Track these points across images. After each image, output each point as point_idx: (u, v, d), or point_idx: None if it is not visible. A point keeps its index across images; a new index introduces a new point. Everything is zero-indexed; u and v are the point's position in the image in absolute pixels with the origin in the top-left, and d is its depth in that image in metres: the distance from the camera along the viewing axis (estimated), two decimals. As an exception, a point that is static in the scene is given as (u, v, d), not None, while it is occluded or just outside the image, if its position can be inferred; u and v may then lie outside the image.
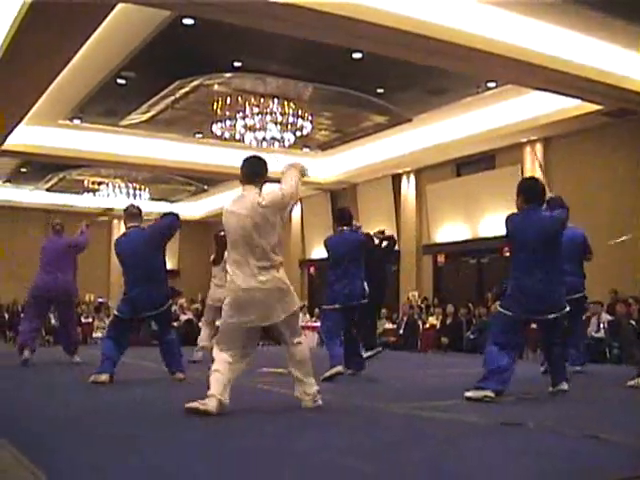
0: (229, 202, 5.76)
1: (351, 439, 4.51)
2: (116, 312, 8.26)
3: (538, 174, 16.81)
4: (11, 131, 15.91)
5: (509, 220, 6.90)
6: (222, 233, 9.08)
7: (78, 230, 10.76)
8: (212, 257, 11.60)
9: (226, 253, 5.64)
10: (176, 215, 8.34)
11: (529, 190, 6.89)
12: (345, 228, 8.98)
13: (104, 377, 7.66)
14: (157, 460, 3.79)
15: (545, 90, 13.77)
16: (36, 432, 4.60)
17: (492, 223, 17.29)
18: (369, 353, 10.32)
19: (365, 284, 8.76)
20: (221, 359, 5.52)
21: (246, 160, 5.83)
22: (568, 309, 6.85)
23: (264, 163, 5.83)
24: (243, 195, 5.67)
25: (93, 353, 9.21)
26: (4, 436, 4.16)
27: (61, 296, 10.35)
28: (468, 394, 6.37)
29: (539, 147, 17.04)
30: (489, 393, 6.31)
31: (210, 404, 5.27)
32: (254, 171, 5.75)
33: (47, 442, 4.25)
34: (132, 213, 8.33)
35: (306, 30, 10.76)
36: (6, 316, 21.84)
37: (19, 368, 9.64)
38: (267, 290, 5.52)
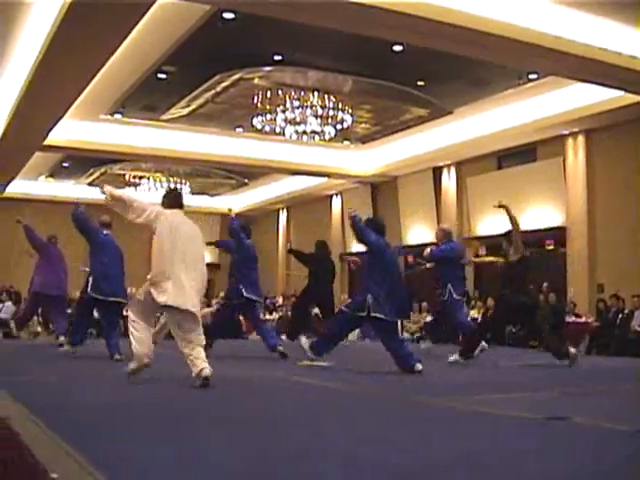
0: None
1: (389, 432, 4.48)
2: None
3: (581, 167, 16.72)
4: (53, 126, 16.08)
5: None
6: None
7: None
8: None
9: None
10: None
11: None
12: None
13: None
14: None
15: (587, 81, 13.60)
16: (84, 423, 4.62)
17: (533, 216, 17.10)
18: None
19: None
20: None
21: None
22: None
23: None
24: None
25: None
26: (54, 429, 4.18)
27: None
28: None
29: (581, 139, 16.85)
30: None
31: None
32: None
33: (91, 432, 4.27)
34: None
35: (347, 23, 10.75)
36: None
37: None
38: None
